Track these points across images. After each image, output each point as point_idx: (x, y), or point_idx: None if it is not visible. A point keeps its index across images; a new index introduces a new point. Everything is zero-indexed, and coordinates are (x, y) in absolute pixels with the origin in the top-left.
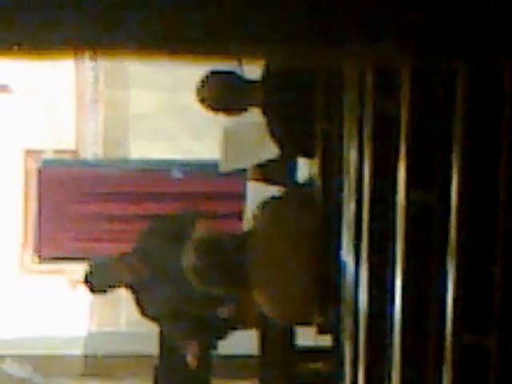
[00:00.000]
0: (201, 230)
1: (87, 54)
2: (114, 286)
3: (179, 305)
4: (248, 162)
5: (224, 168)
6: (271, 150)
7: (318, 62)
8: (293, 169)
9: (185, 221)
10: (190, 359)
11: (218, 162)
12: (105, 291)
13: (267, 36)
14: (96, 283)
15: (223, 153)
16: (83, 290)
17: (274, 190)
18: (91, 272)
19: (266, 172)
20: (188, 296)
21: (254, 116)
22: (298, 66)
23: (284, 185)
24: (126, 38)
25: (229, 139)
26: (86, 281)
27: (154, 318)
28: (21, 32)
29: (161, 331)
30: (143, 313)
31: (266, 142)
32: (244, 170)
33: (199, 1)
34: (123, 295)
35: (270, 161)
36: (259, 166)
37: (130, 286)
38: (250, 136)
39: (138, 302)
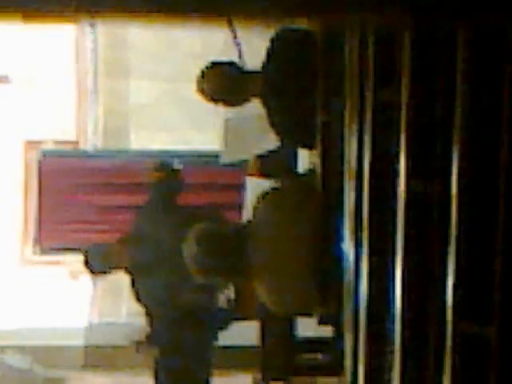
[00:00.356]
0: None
1: (86, 18)
2: (114, 269)
3: (176, 293)
4: (249, 153)
5: (225, 159)
6: (272, 141)
7: (320, 25)
8: (293, 159)
9: (185, 214)
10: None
11: (219, 153)
12: (104, 273)
13: None
14: (95, 265)
15: (224, 144)
16: (84, 280)
17: (274, 181)
18: (90, 253)
19: (266, 163)
20: (186, 283)
21: (255, 107)
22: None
23: (284, 175)
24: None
25: (229, 130)
26: (86, 262)
27: (146, 305)
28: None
29: (150, 319)
30: (138, 298)
31: (267, 133)
32: (245, 161)
33: None
34: (124, 286)
35: (271, 152)
36: (260, 157)
37: (128, 270)
38: (250, 127)
39: (134, 287)
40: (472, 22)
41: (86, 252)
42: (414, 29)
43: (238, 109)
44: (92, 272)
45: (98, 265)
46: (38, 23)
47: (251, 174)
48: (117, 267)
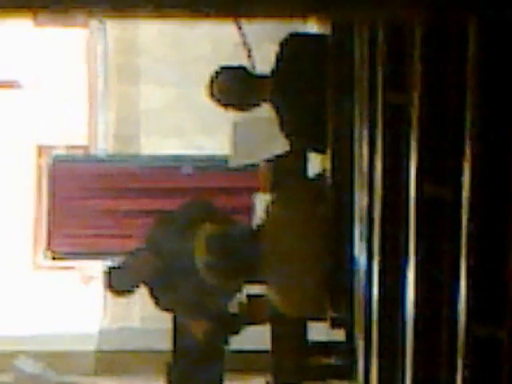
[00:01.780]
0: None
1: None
2: (138, 285)
3: (193, 296)
4: (257, 156)
5: (233, 163)
6: (281, 145)
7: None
8: (303, 163)
9: (194, 210)
10: (199, 336)
11: (229, 157)
12: (129, 291)
13: None
14: (118, 285)
15: (233, 148)
16: (96, 285)
17: (284, 184)
18: (111, 275)
19: (276, 167)
20: (201, 287)
21: (264, 111)
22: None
23: (295, 179)
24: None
25: (238, 134)
26: (109, 285)
27: (167, 309)
28: None
29: (174, 325)
30: (157, 304)
31: (276, 137)
32: (254, 166)
33: None
34: (136, 291)
35: (281, 156)
36: (270, 161)
37: (145, 283)
38: (259, 131)
39: (153, 295)
40: (483, 16)
41: (107, 273)
42: (425, 25)
43: (247, 113)
44: (116, 293)
45: (120, 285)
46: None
47: (262, 190)
48: (140, 282)
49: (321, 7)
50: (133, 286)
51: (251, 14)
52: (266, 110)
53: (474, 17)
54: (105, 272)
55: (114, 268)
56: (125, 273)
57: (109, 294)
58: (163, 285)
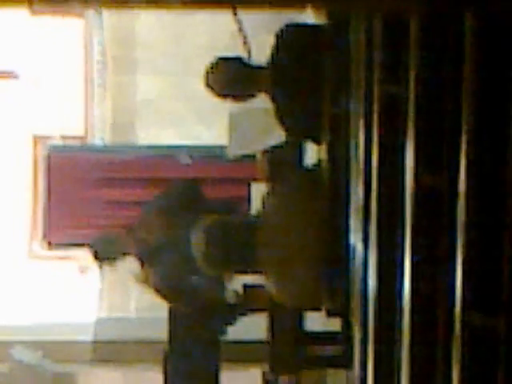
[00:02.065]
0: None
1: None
2: (120, 256)
3: (185, 277)
4: (254, 147)
5: (230, 154)
6: (277, 136)
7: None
8: (300, 153)
9: (188, 189)
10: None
11: (226, 147)
12: (110, 260)
13: None
14: (102, 253)
15: (229, 139)
16: (92, 275)
17: (281, 174)
18: (97, 242)
19: (273, 157)
20: (194, 273)
21: (260, 102)
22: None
23: (291, 169)
24: None
25: (235, 125)
26: (93, 251)
27: (158, 290)
28: None
29: (171, 315)
30: (149, 284)
31: (273, 128)
32: (251, 156)
33: None
34: (133, 281)
35: (278, 146)
36: (267, 151)
37: (137, 257)
38: (255, 121)
39: (143, 270)
40: (480, 8)
41: (93, 241)
42: (422, 16)
43: (243, 104)
44: (99, 260)
45: (104, 252)
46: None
47: (259, 180)
48: (123, 254)
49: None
50: (115, 256)
51: (248, 4)
52: (261, 101)
53: (471, 8)
54: (92, 240)
55: (100, 237)
56: (109, 242)
57: (105, 285)
58: (155, 264)
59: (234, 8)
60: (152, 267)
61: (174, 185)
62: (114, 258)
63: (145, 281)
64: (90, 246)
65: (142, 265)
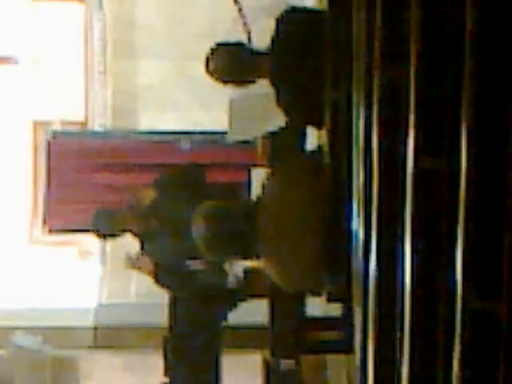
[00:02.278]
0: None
1: None
2: (120, 232)
3: (184, 261)
4: (255, 132)
5: (230, 138)
6: (277, 120)
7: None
8: (301, 138)
9: (192, 172)
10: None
11: (226, 133)
12: (111, 235)
13: None
14: (102, 227)
15: (230, 124)
16: (93, 260)
17: (282, 159)
18: (98, 216)
19: (274, 142)
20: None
21: (261, 87)
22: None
23: (292, 154)
24: None
25: (234, 110)
26: (94, 225)
27: (154, 275)
28: None
29: (171, 300)
30: (144, 270)
31: (272, 112)
32: (251, 141)
33: None
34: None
35: (279, 130)
36: (267, 136)
37: (137, 236)
38: (255, 106)
39: (143, 247)
40: None
41: (94, 215)
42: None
43: (243, 89)
44: (99, 234)
45: (105, 227)
46: None
47: (259, 165)
48: (123, 230)
49: None
50: (117, 231)
51: None
52: (261, 87)
53: None
54: (93, 214)
55: (101, 211)
56: (111, 217)
57: (106, 270)
58: (155, 243)
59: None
60: (151, 248)
61: (179, 167)
62: (116, 234)
63: (140, 266)
64: (91, 221)
65: (142, 244)
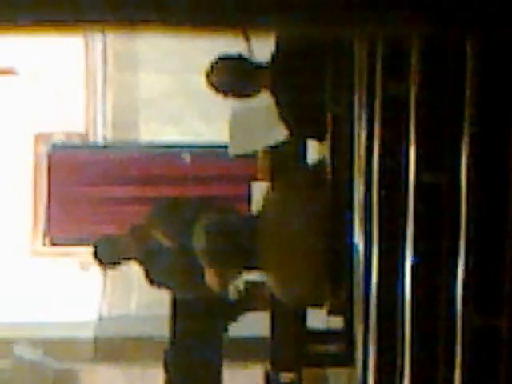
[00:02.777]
0: (212, 212)
1: (97, 30)
2: (123, 260)
3: (187, 280)
4: (256, 145)
5: (232, 152)
6: (278, 134)
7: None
8: (303, 151)
9: (195, 205)
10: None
11: (228, 145)
12: (114, 264)
13: (276, 7)
14: (105, 257)
15: (231, 137)
16: (94, 272)
17: (283, 171)
18: (99, 246)
19: (275, 155)
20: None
21: (261, 99)
22: (308, 38)
23: (294, 167)
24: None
25: (236, 123)
26: (95, 255)
27: (162, 285)
28: (30, 8)
29: (173, 312)
30: (152, 282)
31: (274, 125)
32: (253, 154)
33: None
34: (134, 279)
35: (280, 144)
36: (269, 149)
37: (137, 260)
38: (257, 119)
39: (148, 274)
40: (482, 33)
41: (96, 244)
42: (422, 39)
43: (244, 103)
44: (102, 264)
45: (107, 256)
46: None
47: (260, 178)
48: (126, 258)
49: (317, 19)
50: (119, 260)
51: (261, 29)
52: (263, 100)
53: (471, 33)
54: (94, 243)
55: (102, 240)
56: (112, 246)
57: (107, 282)
58: (158, 264)
59: (246, 34)
60: (154, 270)
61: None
62: (117, 263)
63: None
64: (92, 250)
65: (146, 272)
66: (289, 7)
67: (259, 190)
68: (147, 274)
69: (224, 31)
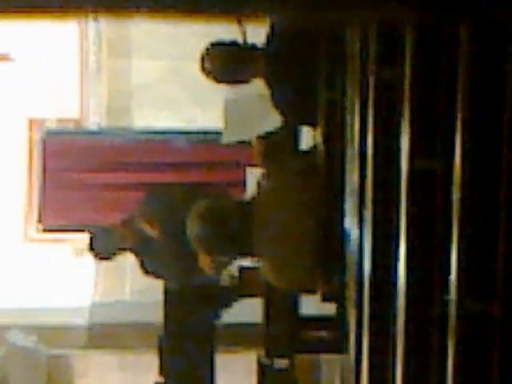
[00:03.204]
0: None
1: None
2: (118, 251)
3: (183, 269)
4: (249, 132)
5: (225, 139)
6: (272, 121)
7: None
8: (296, 138)
9: (187, 192)
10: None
11: (221, 132)
12: (109, 257)
13: None
14: (100, 249)
15: (225, 124)
16: (88, 258)
17: (277, 158)
18: (95, 238)
19: (269, 142)
20: (192, 260)
21: (256, 86)
22: (301, 24)
23: (287, 154)
24: None
25: (229, 110)
26: (91, 247)
27: (157, 276)
28: None
29: (166, 298)
30: (147, 272)
31: (267, 113)
32: (246, 141)
33: None
34: (127, 265)
35: (273, 131)
36: (262, 136)
37: (133, 250)
38: (250, 107)
39: (143, 265)
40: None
41: (91, 236)
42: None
43: (237, 90)
44: (97, 256)
45: (103, 249)
46: (40, 20)
47: (254, 164)
48: (121, 249)
49: (311, 7)
50: (115, 252)
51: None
52: (257, 87)
53: (465, 19)
54: (89, 235)
55: (97, 232)
56: (108, 237)
57: (100, 268)
58: (153, 254)
59: (240, 20)
60: (149, 260)
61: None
62: (112, 254)
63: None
64: (88, 243)
65: (141, 262)
66: None
67: (255, 175)
68: (142, 265)
69: (218, 17)
